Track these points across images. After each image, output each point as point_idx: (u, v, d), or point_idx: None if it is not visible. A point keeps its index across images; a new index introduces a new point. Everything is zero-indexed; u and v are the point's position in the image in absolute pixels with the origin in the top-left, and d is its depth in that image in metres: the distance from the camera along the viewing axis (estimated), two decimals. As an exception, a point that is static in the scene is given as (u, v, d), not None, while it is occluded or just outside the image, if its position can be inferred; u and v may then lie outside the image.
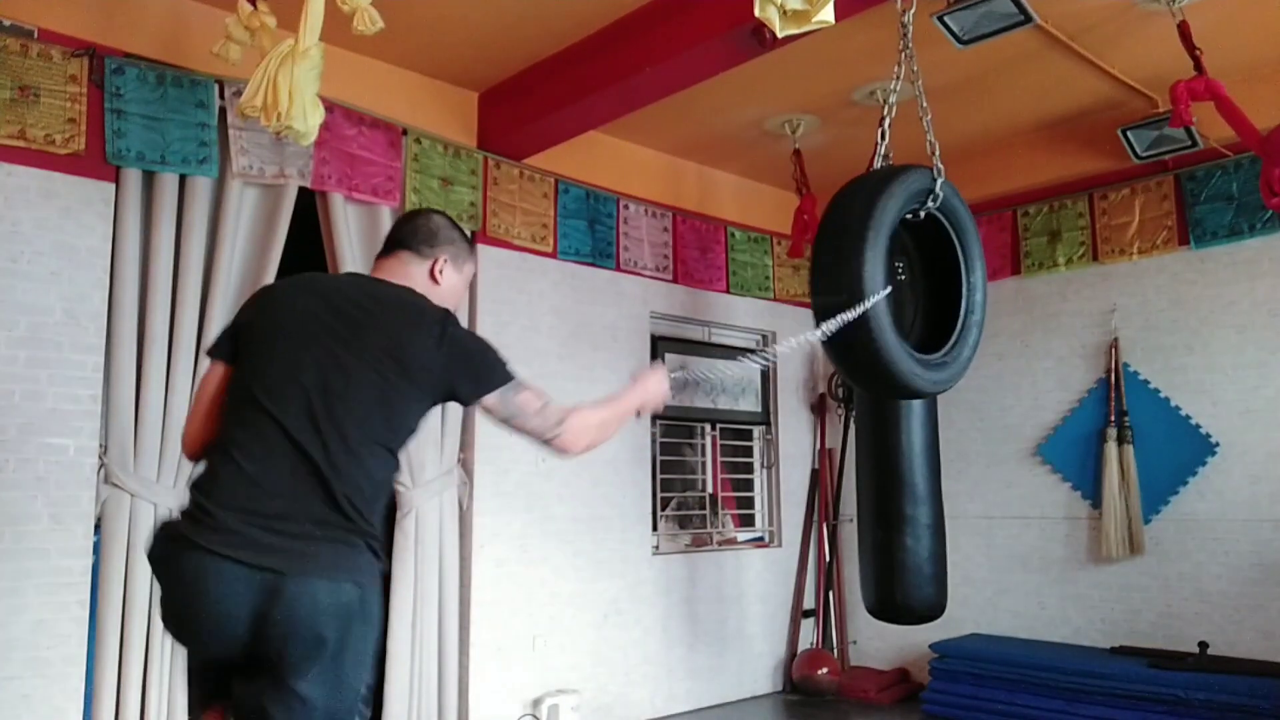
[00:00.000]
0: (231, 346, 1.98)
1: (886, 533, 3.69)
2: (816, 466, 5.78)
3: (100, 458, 3.21)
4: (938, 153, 3.21)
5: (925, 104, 3.32)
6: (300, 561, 1.74)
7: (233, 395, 1.93)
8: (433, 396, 1.95)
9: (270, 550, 1.74)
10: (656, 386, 2.22)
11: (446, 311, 1.99)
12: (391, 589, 3.71)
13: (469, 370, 1.94)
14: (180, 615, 1.82)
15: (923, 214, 3.15)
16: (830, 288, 2.96)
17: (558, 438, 1.99)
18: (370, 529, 1.86)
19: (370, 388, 1.85)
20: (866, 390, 3.59)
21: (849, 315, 2.76)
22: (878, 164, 3.27)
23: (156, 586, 1.88)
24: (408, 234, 2.11)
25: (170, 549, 1.81)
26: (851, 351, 2.97)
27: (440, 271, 2.10)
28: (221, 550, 1.73)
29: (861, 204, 3.00)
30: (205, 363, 3.38)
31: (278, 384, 1.85)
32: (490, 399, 1.94)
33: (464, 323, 3.14)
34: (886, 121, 3.29)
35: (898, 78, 3.29)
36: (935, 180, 3.13)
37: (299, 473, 1.80)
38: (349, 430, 1.82)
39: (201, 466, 1.91)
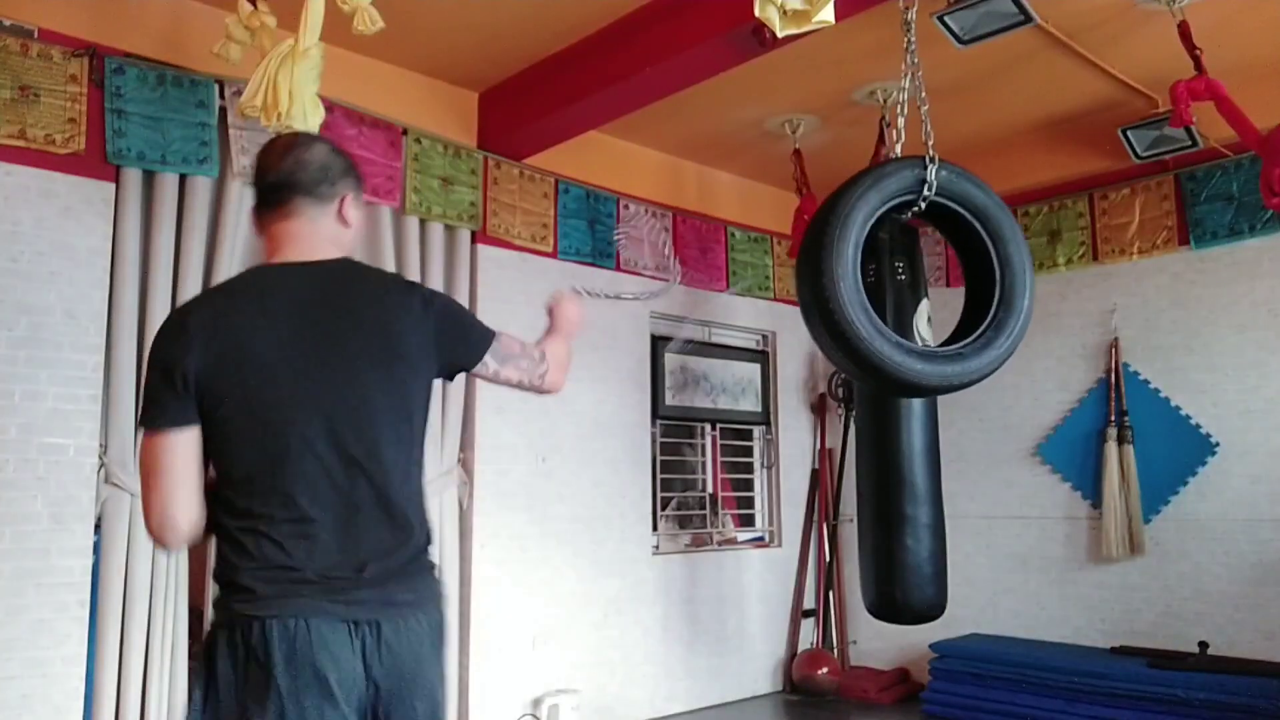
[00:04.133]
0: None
1: (886, 533, 3.68)
2: (816, 466, 5.77)
3: (100, 458, 3.21)
4: (931, 140, 3.15)
5: (924, 94, 3.28)
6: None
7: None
8: (434, 373, 1.78)
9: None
10: (576, 313, 2.20)
11: (411, 282, 1.87)
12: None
13: (462, 335, 1.82)
14: None
15: (923, 204, 3.12)
16: (804, 278, 3.09)
17: (546, 373, 1.96)
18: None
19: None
20: (869, 387, 3.58)
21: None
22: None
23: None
24: (296, 174, 1.70)
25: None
26: (835, 345, 3.03)
27: (347, 212, 1.76)
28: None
29: (834, 198, 3.09)
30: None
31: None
32: (489, 358, 1.83)
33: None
34: (900, 120, 3.26)
35: (906, 74, 3.26)
36: (926, 168, 3.09)
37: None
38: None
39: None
